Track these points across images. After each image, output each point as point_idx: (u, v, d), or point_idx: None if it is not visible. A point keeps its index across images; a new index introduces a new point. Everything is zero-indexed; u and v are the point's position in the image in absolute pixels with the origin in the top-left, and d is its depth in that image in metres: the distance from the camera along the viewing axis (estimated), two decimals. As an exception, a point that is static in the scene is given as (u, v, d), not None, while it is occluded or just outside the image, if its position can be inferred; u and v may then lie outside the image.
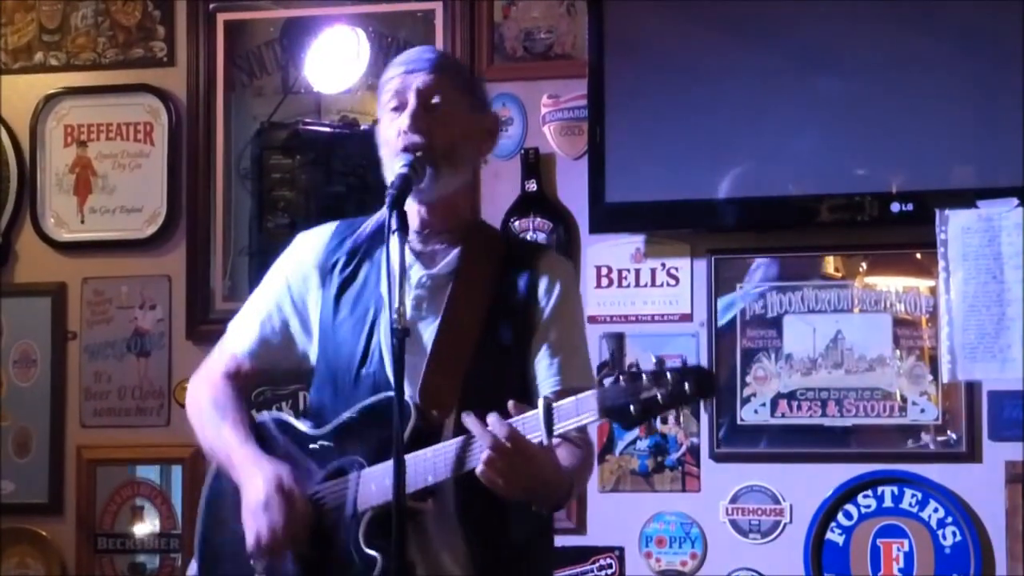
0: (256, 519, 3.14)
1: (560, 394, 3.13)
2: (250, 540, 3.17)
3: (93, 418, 5.21)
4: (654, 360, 2.90)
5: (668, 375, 2.85)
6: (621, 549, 4.74)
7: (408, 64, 3.27)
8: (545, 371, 3.23)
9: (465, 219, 3.34)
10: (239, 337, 3.43)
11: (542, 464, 2.97)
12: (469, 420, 3.00)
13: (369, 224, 3.34)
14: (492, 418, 2.97)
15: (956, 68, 4.56)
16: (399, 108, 3.21)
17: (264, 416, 3.42)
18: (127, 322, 5.21)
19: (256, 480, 3.18)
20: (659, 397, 2.84)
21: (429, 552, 3.15)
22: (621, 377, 2.88)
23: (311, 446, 3.27)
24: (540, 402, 2.96)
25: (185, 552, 5.02)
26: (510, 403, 2.98)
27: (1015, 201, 4.42)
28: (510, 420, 2.97)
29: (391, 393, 3.05)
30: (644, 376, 2.87)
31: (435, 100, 3.21)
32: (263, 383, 3.61)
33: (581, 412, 2.92)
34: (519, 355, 3.24)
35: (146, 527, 5.15)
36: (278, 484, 3.15)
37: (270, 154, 5.13)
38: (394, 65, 3.30)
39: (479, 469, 2.95)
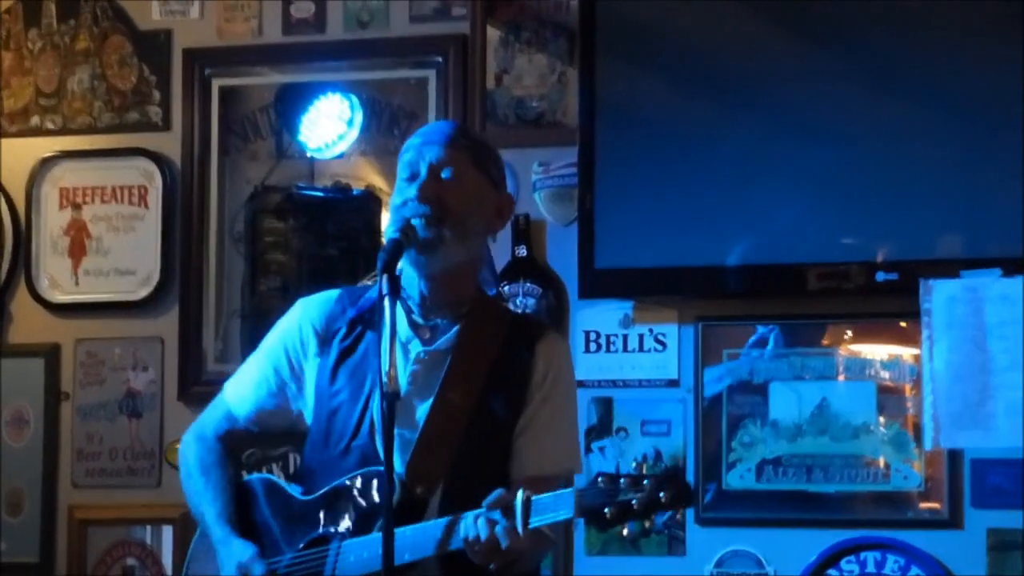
0: None
1: (532, 480, 3.12)
2: None
3: (85, 478, 5.19)
4: (635, 464, 3.03)
5: (646, 482, 2.87)
6: (610, 612, 4.81)
7: (425, 137, 3.28)
8: (524, 454, 3.23)
9: (469, 295, 3.32)
10: (235, 398, 3.42)
11: (522, 547, 2.98)
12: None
13: (372, 294, 3.31)
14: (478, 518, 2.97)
15: (941, 139, 4.55)
16: (411, 179, 3.21)
17: (253, 477, 3.43)
18: (120, 383, 5.19)
19: (224, 567, 3.21)
20: (634, 503, 2.86)
21: None
22: (600, 479, 2.89)
23: (297, 511, 3.27)
24: (519, 496, 2.96)
25: (175, 611, 5.08)
26: (488, 501, 2.99)
27: (1000, 271, 4.40)
28: (490, 513, 2.97)
29: (378, 468, 3.06)
30: (622, 480, 2.88)
31: (446, 172, 3.21)
32: (256, 443, 3.62)
33: (558, 509, 2.94)
34: (508, 437, 3.23)
35: (137, 587, 5.19)
36: (243, 573, 3.18)
37: (263, 217, 5.11)
38: (413, 138, 3.30)
39: (470, 542, 2.96)
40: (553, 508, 2.93)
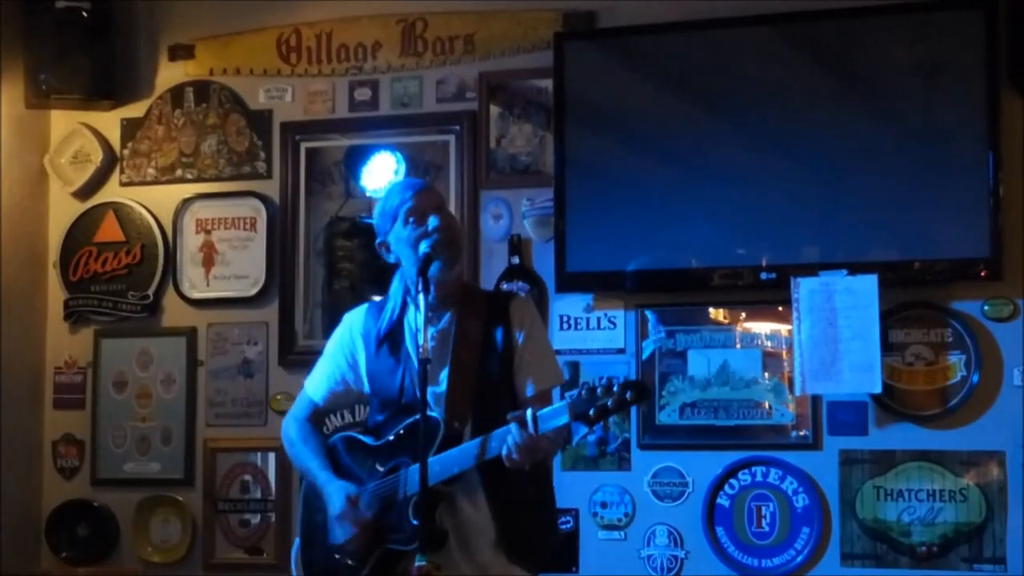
0: (338, 524, 3.64)
1: (538, 395, 3.54)
2: (338, 537, 3.62)
3: (214, 420, 5.78)
4: (605, 378, 3.31)
5: (615, 388, 3.24)
6: (577, 510, 5.29)
7: (414, 188, 3.67)
8: (525, 380, 3.62)
9: (456, 292, 3.68)
10: (313, 390, 3.88)
11: (538, 447, 3.39)
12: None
13: (393, 303, 3.73)
14: (512, 427, 3.33)
15: (803, 183, 5.07)
16: (421, 219, 3.59)
17: (335, 439, 3.81)
18: (238, 354, 5.76)
19: (333, 499, 3.65)
20: (609, 403, 3.23)
21: (459, 520, 3.56)
22: (583, 391, 3.28)
23: (373, 453, 3.70)
24: (528, 412, 3.34)
25: (278, 512, 5.66)
26: (510, 415, 3.37)
27: (845, 272, 4.91)
28: (515, 422, 3.33)
29: (420, 416, 3.47)
30: (598, 389, 3.26)
31: (445, 211, 3.67)
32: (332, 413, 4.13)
33: (557, 416, 3.33)
34: (507, 374, 3.61)
35: (250, 495, 5.72)
36: (346, 501, 3.60)
37: (336, 239, 5.64)
38: (400, 191, 3.66)
39: (505, 456, 3.37)
40: (554, 416, 3.33)
